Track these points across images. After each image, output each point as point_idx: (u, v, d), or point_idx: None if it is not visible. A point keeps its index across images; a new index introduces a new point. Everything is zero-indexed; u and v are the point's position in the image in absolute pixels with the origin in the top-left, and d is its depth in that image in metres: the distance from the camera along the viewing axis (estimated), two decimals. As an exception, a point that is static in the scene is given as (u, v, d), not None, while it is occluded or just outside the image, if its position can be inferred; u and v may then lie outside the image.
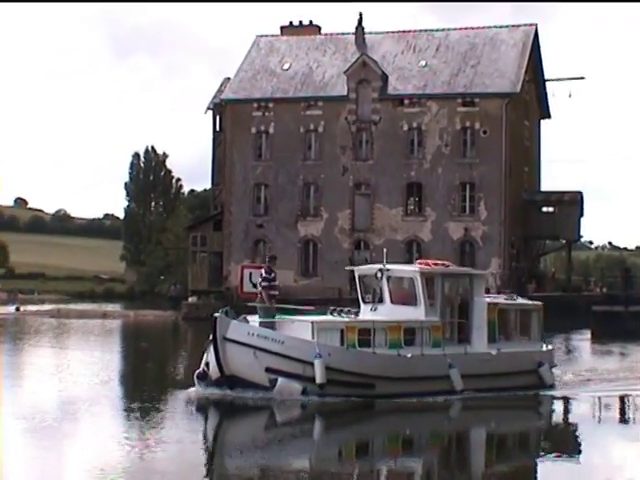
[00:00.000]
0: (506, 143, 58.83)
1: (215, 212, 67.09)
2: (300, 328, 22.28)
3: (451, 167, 59.39)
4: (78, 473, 14.76)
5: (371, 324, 22.68)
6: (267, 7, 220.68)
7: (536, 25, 63.66)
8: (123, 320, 59.17)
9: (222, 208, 64.77)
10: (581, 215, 63.35)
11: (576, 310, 51.90)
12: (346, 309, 23.65)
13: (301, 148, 61.80)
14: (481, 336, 24.31)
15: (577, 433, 20.04)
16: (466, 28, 64.24)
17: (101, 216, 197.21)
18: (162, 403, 22.26)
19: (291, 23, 67.53)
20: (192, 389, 22.46)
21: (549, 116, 69.97)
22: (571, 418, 22.41)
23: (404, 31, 65.05)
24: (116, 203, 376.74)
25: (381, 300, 23.91)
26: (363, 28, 64.57)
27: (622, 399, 24.31)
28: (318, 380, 21.37)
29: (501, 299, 26.40)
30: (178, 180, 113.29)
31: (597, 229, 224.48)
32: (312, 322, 22.32)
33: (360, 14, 64.68)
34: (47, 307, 68.54)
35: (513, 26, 63.80)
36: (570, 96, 66.16)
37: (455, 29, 64.33)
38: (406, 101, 60.50)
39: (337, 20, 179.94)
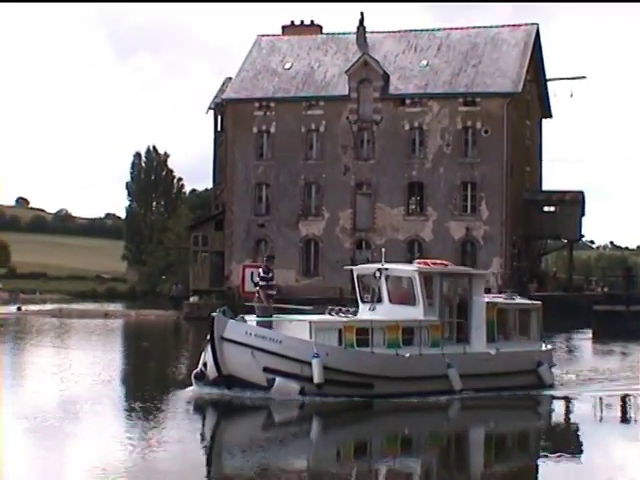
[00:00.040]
0: (507, 143, 58.84)
1: (216, 212, 67.11)
2: (298, 328, 22.27)
3: (452, 167, 59.40)
4: (80, 473, 14.76)
5: (369, 324, 22.65)
6: (268, 7, 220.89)
7: (537, 25, 63.72)
8: (125, 320, 59.23)
9: (223, 208, 64.81)
10: (582, 215, 63.35)
11: (577, 310, 51.93)
12: (344, 309, 23.60)
13: (302, 148, 61.83)
14: (480, 336, 24.27)
15: (578, 433, 19.99)
16: (467, 28, 64.27)
17: (102, 216, 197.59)
18: (163, 403, 22.24)
19: (292, 23, 67.57)
20: (189, 389, 22.47)
21: (550, 116, 69.98)
22: (572, 418, 22.39)
23: (405, 31, 65.07)
24: (117, 203, 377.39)
25: (380, 300, 23.88)
26: (364, 28, 64.56)
27: (623, 399, 24.27)
28: (316, 380, 21.35)
29: (500, 299, 26.39)
30: (179, 180, 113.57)
31: (598, 229, 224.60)
32: (310, 322, 22.30)
33: (361, 14, 64.78)
34: (49, 307, 68.60)
35: (514, 25, 63.79)
36: (571, 96, 66.55)
37: (456, 29, 64.32)
38: (407, 101, 60.51)
39: (338, 20, 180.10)
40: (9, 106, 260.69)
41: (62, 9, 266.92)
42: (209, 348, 21.67)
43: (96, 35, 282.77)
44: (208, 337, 21.79)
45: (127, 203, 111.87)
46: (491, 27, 63.93)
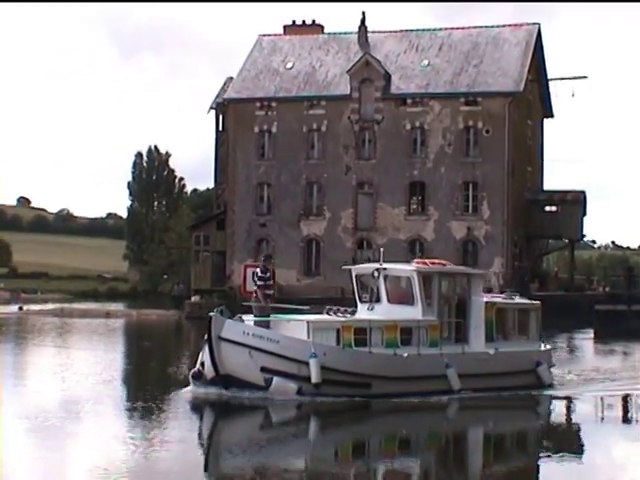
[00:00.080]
0: (509, 142, 58.84)
1: (218, 211, 67.15)
2: (296, 327, 22.24)
3: (454, 166, 59.40)
4: (81, 473, 14.77)
5: (367, 323, 22.62)
6: (270, 7, 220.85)
7: (539, 24, 63.74)
8: (126, 319, 59.26)
9: (225, 207, 64.84)
10: (584, 214, 63.32)
11: (579, 309, 51.98)
12: (342, 308, 23.56)
13: (304, 147, 61.85)
14: (479, 335, 24.22)
15: (579, 433, 19.97)
16: (469, 27, 64.26)
17: (104, 215, 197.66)
18: (165, 402, 22.24)
19: (294, 22, 67.59)
20: (187, 388, 22.47)
21: (552, 115, 69.94)
22: (573, 418, 22.36)
23: (407, 30, 65.07)
24: (119, 202, 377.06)
25: (378, 299, 23.84)
26: (366, 27, 64.56)
27: (625, 399, 24.25)
28: (313, 380, 21.33)
29: (499, 298, 26.38)
30: (181, 179, 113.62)
31: (600, 228, 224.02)
32: (307, 321, 22.29)
33: (363, 13, 64.84)
34: (50, 306, 68.59)
35: (516, 25, 63.78)
36: (573, 95, 66.24)
37: (458, 28, 64.31)
38: (409, 100, 60.52)
39: (340, 19, 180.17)
40: (10, 106, 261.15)
41: (63, 9, 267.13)
42: (207, 348, 21.67)
43: (98, 35, 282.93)
44: (206, 337, 21.80)
45: (129, 203, 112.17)
46: (492, 27, 63.89)
